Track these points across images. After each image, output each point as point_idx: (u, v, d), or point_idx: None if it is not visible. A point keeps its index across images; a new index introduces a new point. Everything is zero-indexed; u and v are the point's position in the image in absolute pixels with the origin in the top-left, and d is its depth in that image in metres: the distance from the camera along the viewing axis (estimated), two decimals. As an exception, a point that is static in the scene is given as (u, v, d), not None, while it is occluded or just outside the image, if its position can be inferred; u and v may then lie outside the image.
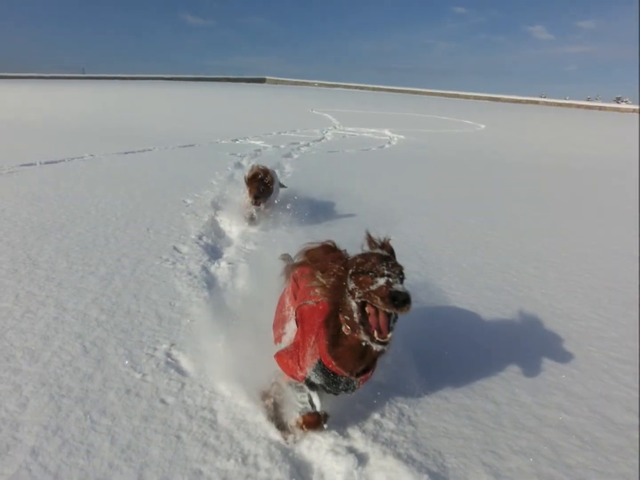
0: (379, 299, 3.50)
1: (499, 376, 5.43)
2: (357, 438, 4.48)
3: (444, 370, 5.49)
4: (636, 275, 8.77)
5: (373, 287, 3.55)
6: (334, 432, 4.52)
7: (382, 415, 4.78)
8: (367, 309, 3.67)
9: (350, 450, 4.31)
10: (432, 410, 4.87)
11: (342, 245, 4.16)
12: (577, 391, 5.30)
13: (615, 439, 4.64)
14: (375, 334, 3.60)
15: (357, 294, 3.66)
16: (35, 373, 5.14)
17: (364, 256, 3.80)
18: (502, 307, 7.12)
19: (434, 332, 6.20)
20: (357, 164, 19.22)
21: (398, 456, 4.24)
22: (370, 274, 3.62)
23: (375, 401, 4.93)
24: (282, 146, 22.41)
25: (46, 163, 15.24)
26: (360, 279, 3.67)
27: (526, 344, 6.15)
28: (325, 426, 4.47)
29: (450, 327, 6.47)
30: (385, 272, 3.60)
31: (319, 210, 11.47)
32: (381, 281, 3.55)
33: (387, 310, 3.51)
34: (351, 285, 3.73)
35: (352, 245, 4.09)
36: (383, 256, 3.79)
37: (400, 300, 3.41)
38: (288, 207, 10.90)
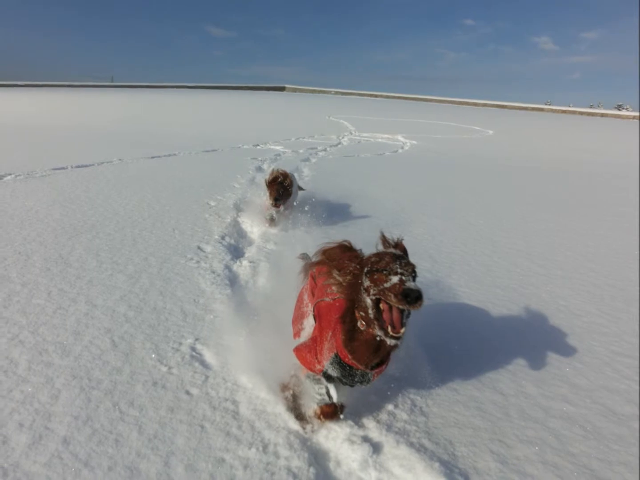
0: (392, 295, 3.51)
1: (506, 369, 5.43)
2: (372, 428, 4.49)
3: (454, 364, 5.49)
4: (636, 273, 8.75)
5: (387, 285, 3.56)
6: (349, 422, 4.53)
7: (396, 406, 4.79)
8: (382, 306, 3.68)
9: (366, 439, 4.33)
10: (442, 402, 4.87)
11: (357, 244, 4.17)
12: (581, 383, 5.29)
13: (616, 429, 4.64)
14: (389, 329, 3.61)
15: (371, 291, 3.68)
16: (66, 366, 5.17)
17: (379, 255, 3.81)
18: (509, 303, 7.11)
19: (444, 328, 6.20)
20: (371, 168, 19.22)
21: (411, 445, 4.25)
22: (385, 272, 3.63)
23: (389, 393, 4.94)
24: (301, 151, 22.43)
25: (77, 167, 15.31)
26: (375, 277, 3.68)
27: (532, 339, 6.14)
28: (341, 416, 4.48)
29: (460, 323, 6.47)
30: (399, 270, 3.61)
31: (335, 211, 11.49)
32: (395, 279, 3.56)
33: (400, 306, 3.51)
34: (366, 282, 3.74)
35: (367, 245, 4.10)
36: (396, 255, 3.80)
37: (413, 297, 3.42)
38: (306, 208, 10.92)
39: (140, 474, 3.87)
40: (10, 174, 13.74)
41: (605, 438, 4.52)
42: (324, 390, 4.58)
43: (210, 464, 3.98)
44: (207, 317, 6.30)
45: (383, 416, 4.65)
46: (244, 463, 4.00)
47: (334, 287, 4.03)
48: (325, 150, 23.67)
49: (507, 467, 4.09)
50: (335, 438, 4.38)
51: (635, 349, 6.06)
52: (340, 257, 4.07)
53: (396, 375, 5.12)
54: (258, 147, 22.96)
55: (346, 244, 4.19)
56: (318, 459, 4.16)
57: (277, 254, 8.71)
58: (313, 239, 9.33)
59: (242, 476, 3.88)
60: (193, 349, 5.60)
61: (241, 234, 9.92)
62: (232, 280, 7.54)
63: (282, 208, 10.45)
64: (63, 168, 14.98)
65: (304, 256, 5.97)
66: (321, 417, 4.45)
